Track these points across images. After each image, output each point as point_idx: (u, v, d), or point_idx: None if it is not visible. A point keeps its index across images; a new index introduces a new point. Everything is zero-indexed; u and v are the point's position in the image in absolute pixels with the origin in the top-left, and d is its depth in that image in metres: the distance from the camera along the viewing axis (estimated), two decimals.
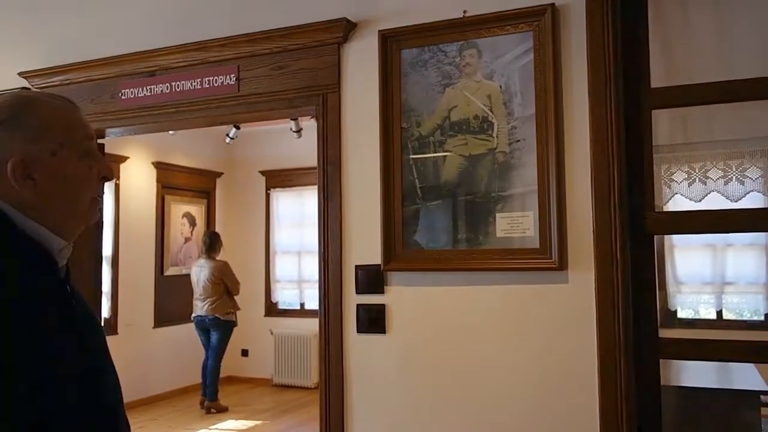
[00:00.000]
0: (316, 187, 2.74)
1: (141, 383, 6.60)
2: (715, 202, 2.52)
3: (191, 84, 2.94)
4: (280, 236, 7.77)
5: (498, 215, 2.38)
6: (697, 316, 6.15)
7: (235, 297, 6.43)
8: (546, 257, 2.29)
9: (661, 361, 2.20)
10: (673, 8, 2.54)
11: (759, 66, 2.08)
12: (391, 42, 2.57)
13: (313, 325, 6.11)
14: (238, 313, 6.46)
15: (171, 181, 7.17)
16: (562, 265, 2.27)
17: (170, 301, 7.07)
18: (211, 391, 6.36)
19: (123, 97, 3.09)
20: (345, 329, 2.62)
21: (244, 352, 7.73)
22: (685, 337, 2.30)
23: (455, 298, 2.45)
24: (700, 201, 2.60)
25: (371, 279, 2.58)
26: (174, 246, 7.22)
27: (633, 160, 2.21)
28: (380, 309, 2.56)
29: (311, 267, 7.27)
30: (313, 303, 7.45)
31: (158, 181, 7.00)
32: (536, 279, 2.32)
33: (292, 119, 6.21)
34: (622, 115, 2.20)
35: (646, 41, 2.23)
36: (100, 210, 1.18)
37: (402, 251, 2.52)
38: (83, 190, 1.12)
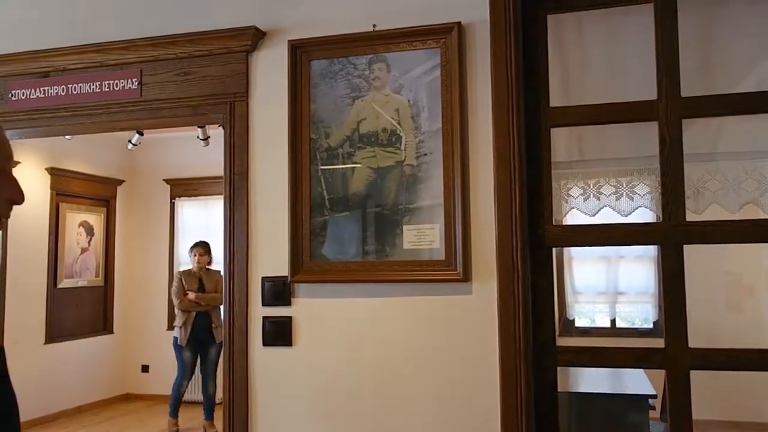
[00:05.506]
0: (222, 197, 2.68)
1: (31, 403, 6.17)
2: (608, 216, 2.66)
3: (90, 87, 2.81)
4: (185, 247, 7.51)
5: (405, 227, 2.41)
6: (593, 325, 6.48)
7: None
8: (451, 269, 2.34)
9: (558, 368, 2.30)
10: (571, 31, 2.68)
11: (648, 88, 2.22)
12: (300, 52, 2.56)
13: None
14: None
15: (67, 188, 6.78)
16: (466, 277, 2.33)
17: (65, 315, 6.67)
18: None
19: (13, 98, 2.91)
20: (250, 342, 2.56)
21: (145, 368, 7.40)
22: (581, 345, 2.41)
23: (362, 310, 2.45)
24: (594, 215, 2.74)
25: (278, 291, 2.54)
26: (69, 257, 6.82)
27: (533, 176, 2.31)
28: (286, 321, 2.52)
29: None
30: None
31: (52, 188, 6.60)
32: (442, 290, 2.37)
33: (199, 127, 6.05)
34: (523, 131, 2.29)
35: (546, 61, 2.33)
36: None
37: (309, 263, 2.50)
38: None
